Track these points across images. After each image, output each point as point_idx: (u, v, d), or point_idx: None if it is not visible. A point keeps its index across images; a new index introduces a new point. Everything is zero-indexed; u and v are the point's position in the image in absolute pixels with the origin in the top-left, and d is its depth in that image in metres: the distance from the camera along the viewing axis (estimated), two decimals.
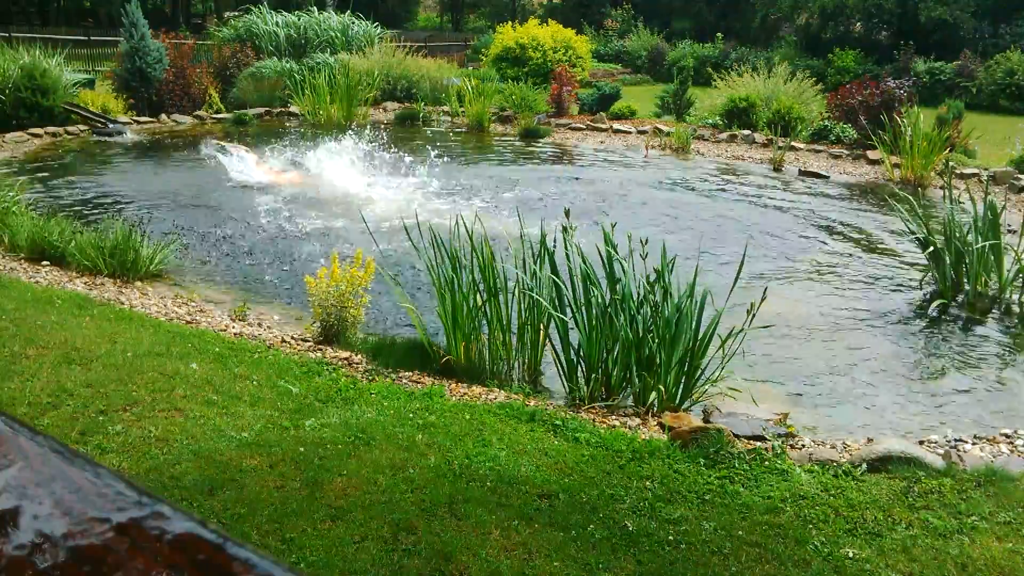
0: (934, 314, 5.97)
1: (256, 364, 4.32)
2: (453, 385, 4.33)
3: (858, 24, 24.26)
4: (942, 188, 8.12)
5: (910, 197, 7.27)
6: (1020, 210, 9.04)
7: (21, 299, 5.03)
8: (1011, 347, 5.49)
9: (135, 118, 13.48)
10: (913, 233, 6.62)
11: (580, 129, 14.15)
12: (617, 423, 3.98)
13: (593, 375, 4.28)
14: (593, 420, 3.96)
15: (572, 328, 4.37)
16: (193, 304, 5.60)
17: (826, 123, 12.74)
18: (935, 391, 4.78)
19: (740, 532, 2.96)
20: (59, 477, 0.52)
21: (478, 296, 4.47)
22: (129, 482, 0.52)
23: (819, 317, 5.85)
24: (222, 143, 10.73)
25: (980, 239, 6.20)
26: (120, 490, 0.51)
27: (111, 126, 12.54)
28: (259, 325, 5.27)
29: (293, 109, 14.90)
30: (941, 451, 3.73)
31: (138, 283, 5.90)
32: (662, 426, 3.87)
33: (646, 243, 4.51)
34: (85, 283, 5.74)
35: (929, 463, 3.49)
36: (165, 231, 7.30)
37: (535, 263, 4.49)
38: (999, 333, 5.75)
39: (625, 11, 30.46)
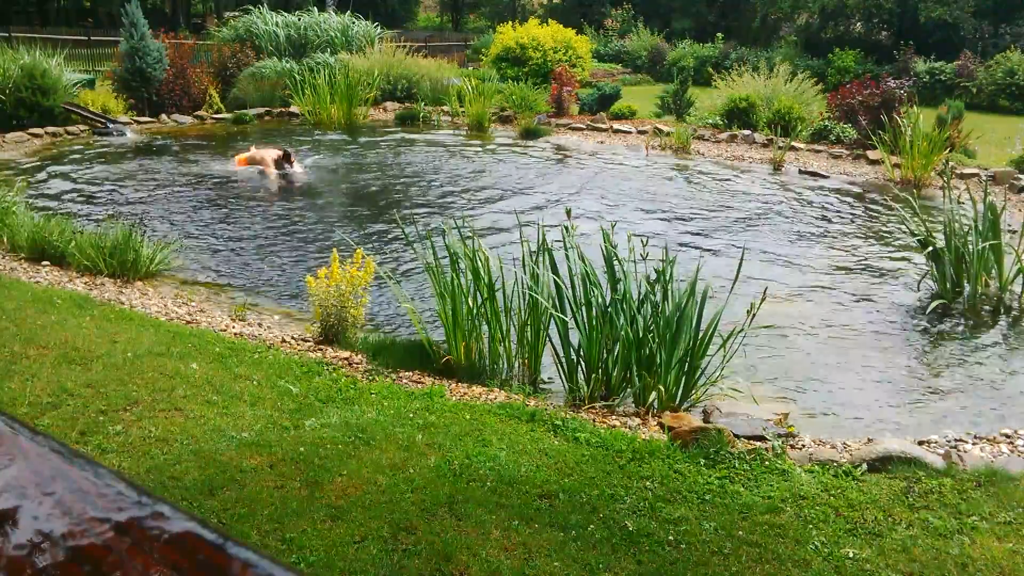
0: (934, 314, 5.97)
1: (256, 364, 4.32)
2: (453, 385, 4.32)
3: (858, 24, 24.25)
4: (942, 188, 8.13)
5: (910, 197, 7.28)
6: (1020, 210, 9.04)
7: (21, 299, 5.03)
8: (1011, 347, 5.49)
9: (135, 118, 13.48)
10: (913, 233, 6.62)
11: (580, 129, 14.15)
12: (617, 423, 3.98)
13: (593, 375, 4.28)
14: (593, 420, 3.96)
15: (572, 328, 4.37)
16: (193, 304, 5.60)
17: (826, 123, 12.74)
18: (935, 391, 4.77)
19: (740, 532, 2.96)
20: (59, 477, 0.52)
21: (477, 296, 4.47)
22: (129, 482, 0.52)
23: (818, 317, 5.85)
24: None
25: (980, 239, 6.19)
26: (120, 490, 0.51)
27: (111, 126, 12.54)
28: (259, 325, 5.27)
29: (293, 109, 14.90)
30: (941, 451, 3.73)
31: (138, 283, 5.90)
32: (662, 426, 3.87)
33: (646, 243, 4.51)
34: (85, 283, 5.74)
35: (929, 463, 3.49)
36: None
37: (532, 261, 4.48)
38: (999, 333, 5.74)
39: (625, 11, 30.44)
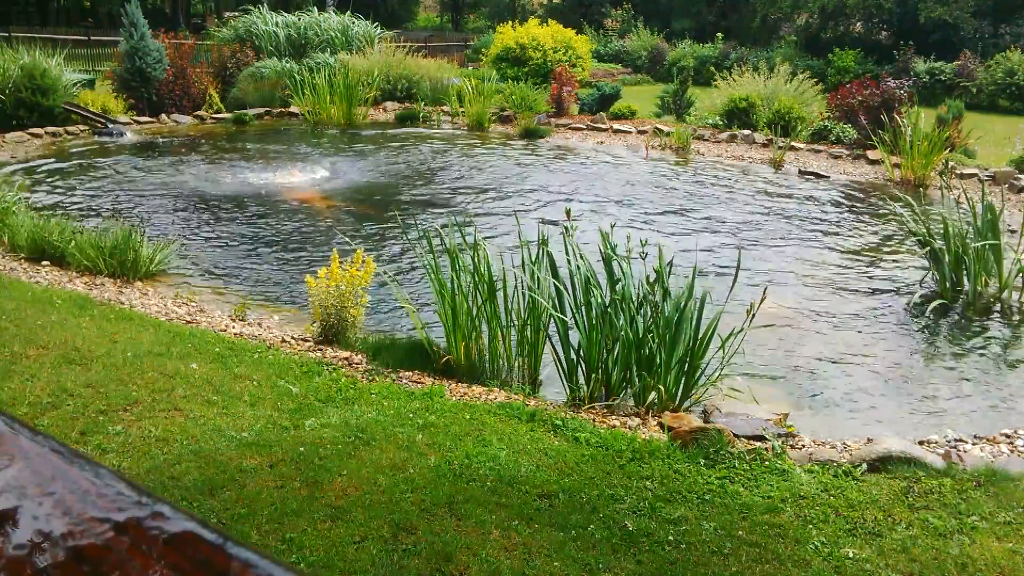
0: (934, 314, 5.97)
1: (256, 364, 4.31)
2: (453, 385, 4.32)
3: (858, 24, 24.24)
4: (941, 188, 8.12)
5: (910, 197, 7.28)
6: (1020, 210, 9.04)
7: (21, 299, 5.03)
8: (1011, 347, 5.49)
9: (135, 118, 13.47)
10: (913, 233, 6.62)
11: (580, 129, 14.14)
12: (617, 423, 3.98)
13: (593, 375, 4.28)
14: (593, 420, 3.96)
15: (572, 328, 4.37)
16: (193, 304, 5.60)
17: (826, 123, 12.73)
18: (935, 391, 4.77)
19: (740, 532, 2.96)
20: (59, 477, 0.52)
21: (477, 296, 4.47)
22: (129, 482, 0.52)
23: (818, 317, 5.85)
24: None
25: (979, 239, 6.19)
26: (120, 490, 0.51)
27: (111, 126, 12.54)
28: (259, 325, 5.27)
29: (293, 109, 14.89)
30: (941, 451, 3.73)
31: (138, 283, 5.90)
32: (662, 426, 3.87)
33: (645, 243, 4.51)
34: (85, 283, 5.74)
35: (929, 463, 3.49)
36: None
37: (533, 263, 4.48)
38: (999, 333, 5.75)
39: (625, 11, 30.45)
